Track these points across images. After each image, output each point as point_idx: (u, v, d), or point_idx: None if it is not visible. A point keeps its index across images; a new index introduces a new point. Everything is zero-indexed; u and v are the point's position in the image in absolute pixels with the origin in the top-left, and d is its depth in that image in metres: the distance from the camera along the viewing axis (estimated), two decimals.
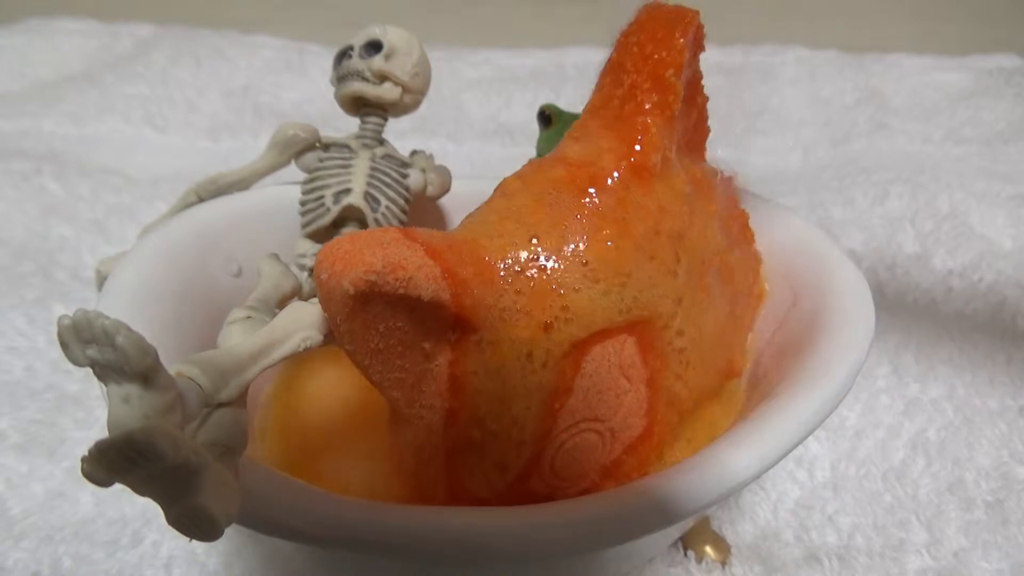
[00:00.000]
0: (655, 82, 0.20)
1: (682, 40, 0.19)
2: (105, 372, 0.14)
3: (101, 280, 0.27)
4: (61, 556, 0.26)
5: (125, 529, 0.27)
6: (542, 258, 0.19)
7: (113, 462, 0.13)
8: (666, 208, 0.20)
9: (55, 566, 0.26)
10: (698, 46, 0.20)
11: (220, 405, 0.17)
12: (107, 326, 0.14)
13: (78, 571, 0.26)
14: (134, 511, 0.28)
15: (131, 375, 0.14)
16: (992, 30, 0.68)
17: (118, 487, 0.29)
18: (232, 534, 0.27)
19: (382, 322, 0.17)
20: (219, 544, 0.27)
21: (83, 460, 0.13)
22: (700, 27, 0.20)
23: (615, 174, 0.20)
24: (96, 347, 0.14)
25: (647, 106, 0.20)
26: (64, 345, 0.14)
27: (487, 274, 0.18)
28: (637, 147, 0.20)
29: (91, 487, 0.29)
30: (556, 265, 0.19)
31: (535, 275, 0.19)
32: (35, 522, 0.27)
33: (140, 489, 0.13)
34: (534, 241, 0.19)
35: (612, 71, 0.21)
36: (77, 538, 0.27)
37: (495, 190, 0.21)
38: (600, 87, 0.21)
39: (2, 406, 0.32)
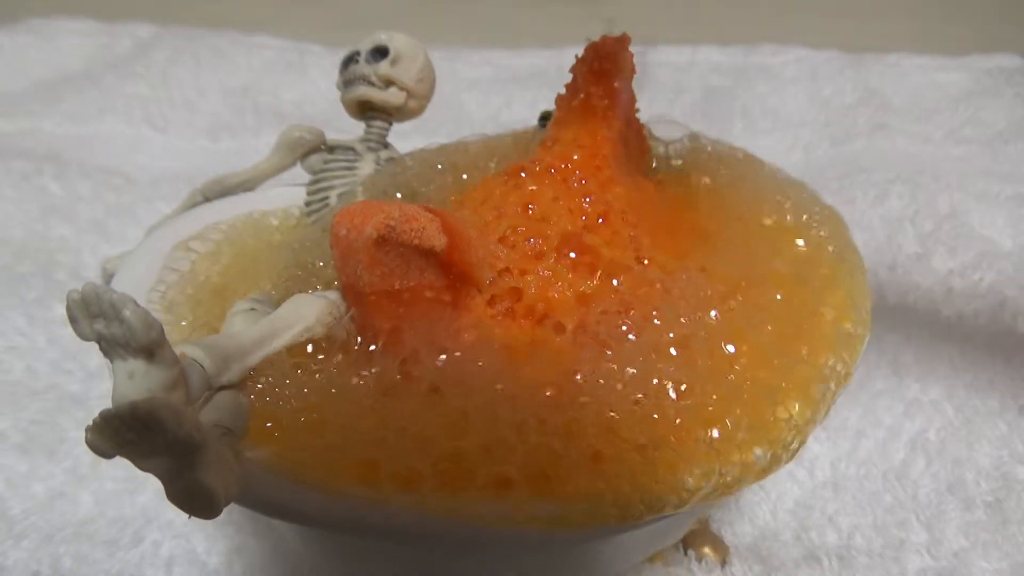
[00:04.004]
0: (605, 89, 0.23)
1: (623, 56, 0.23)
2: (111, 347, 0.15)
3: (107, 278, 0.27)
4: (61, 556, 0.26)
5: (125, 529, 0.27)
6: (543, 236, 0.21)
7: (117, 432, 0.13)
8: (630, 189, 0.23)
9: (55, 566, 0.26)
10: (631, 69, 0.24)
11: (222, 388, 0.17)
12: (115, 300, 0.14)
13: (78, 571, 0.26)
14: (134, 511, 0.28)
15: (136, 350, 0.14)
16: (992, 30, 0.68)
17: (118, 487, 0.29)
18: (233, 533, 0.27)
19: (396, 279, 0.18)
20: (220, 543, 0.27)
21: (87, 430, 0.13)
22: (631, 53, 0.24)
23: (584, 164, 0.23)
24: (103, 321, 0.14)
25: (601, 109, 0.23)
26: (72, 319, 0.15)
27: (488, 238, 0.20)
28: (598, 140, 0.23)
29: (92, 487, 0.29)
30: (551, 244, 0.21)
31: (534, 245, 0.21)
32: (35, 522, 0.27)
33: (142, 463, 0.14)
34: (529, 217, 0.21)
35: (569, 90, 0.24)
36: (77, 538, 0.27)
37: (486, 180, 0.23)
38: (559, 105, 0.25)
39: (2, 406, 0.32)
